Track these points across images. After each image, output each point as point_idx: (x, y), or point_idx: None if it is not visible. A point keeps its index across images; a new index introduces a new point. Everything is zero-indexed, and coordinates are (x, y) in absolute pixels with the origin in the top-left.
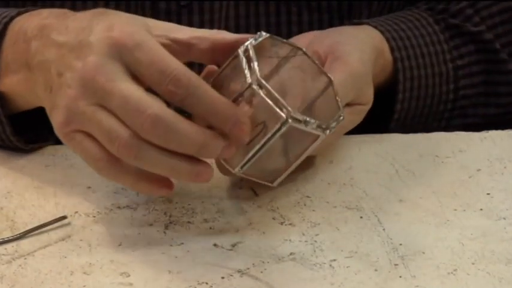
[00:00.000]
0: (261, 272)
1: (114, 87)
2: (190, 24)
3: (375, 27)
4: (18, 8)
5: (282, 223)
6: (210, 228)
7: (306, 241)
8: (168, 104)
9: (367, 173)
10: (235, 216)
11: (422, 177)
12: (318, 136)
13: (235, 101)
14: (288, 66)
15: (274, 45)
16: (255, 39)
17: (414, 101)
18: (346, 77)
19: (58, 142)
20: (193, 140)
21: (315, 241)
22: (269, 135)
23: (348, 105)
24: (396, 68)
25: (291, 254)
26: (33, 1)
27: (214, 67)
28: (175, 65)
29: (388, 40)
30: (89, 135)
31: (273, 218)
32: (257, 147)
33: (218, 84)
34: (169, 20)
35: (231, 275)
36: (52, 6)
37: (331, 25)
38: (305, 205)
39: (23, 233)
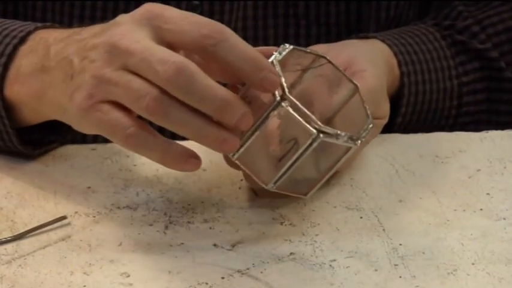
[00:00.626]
0: (261, 272)
1: (139, 46)
2: None
3: (383, 40)
4: (17, 7)
5: (282, 223)
6: (210, 228)
7: (306, 241)
8: None
9: (367, 173)
10: (235, 216)
11: (422, 178)
12: (350, 148)
13: (263, 117)
14: (313, 75)
15: (298, 56)
16: (280, 53)
17: (416, 115)
18: (364, 93)
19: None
20: (217, 94)
21: (315, 241)
22: (301, 150)
23: None
24: (402, 83)
25: (291, 254)
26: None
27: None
28: (208, 19)
29: (395, 54)
30: (115, 105)
31: (273, 218)
32: (289, 163)
33: (245, 101)
34: None
35: (231, 275)
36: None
37: (338, 39)
38: (305, 205)
39: (22, 233)
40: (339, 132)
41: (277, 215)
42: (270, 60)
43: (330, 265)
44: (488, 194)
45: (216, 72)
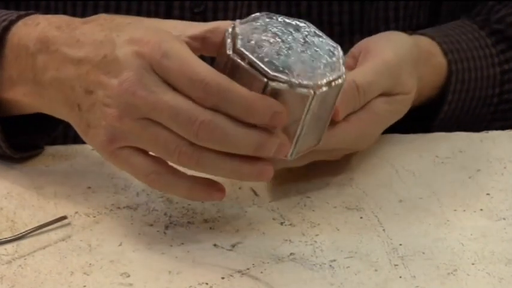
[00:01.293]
0: (261, 272)
1: (158, 99)
2: None
3: (423, 34)
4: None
5: (282, 223)
6: (210, 228)
7: (306, 241)
8: None
9: (367, 173)
10: (235, 216)
11: (422, 178)
12: (339, 87)
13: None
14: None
15: (249, 26)
16: (231, 35)
17: (461, 103)
18: (378, 65)
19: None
20: (249, 140)
21: (315, 241)
22: (304, 115)
23: (387, 95)
24: (450, 70)
25: (291, 254)
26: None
27: None
28: (204, 71)
29: (440, 44)
30: (136, 149)
31: (273, 218)
32: (298, 130)
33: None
34: None
35: (231, 275)
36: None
37: (341, 38)
38: (305, 205)
39: (23, 233)
40: (330, 77)
41: (277, 215)
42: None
43: (330, 265)
44: (488, 194)
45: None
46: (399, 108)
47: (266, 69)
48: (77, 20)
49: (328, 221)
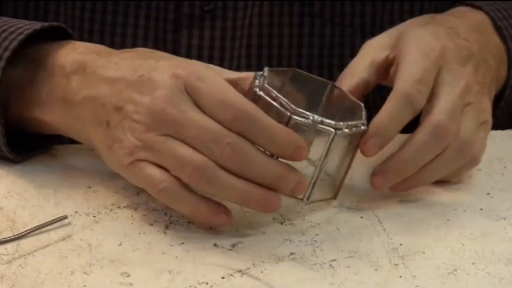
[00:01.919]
0: (261, 272)
1: (187, 118)
2: (212, 29)
3: (486, 12)
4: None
5: (282, 223)
6: (210, 228)
7: (306, 241)
8: None
9: (367, 173)
10: (235, 216)
11: None
12: (363, 132)
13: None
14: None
15: (277, 75)
16: (260, 77)
17: None
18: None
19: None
20: (271, 170)
21: (315, 241)
22: (323, 156)
23: None
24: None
25: (291, 254)
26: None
27: None
28: (235, 97)
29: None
30: (152, 163)
31: (273, 218)
32: (316, 172)
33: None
34: (192, 25)
35: (231, 275)
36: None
37: (353, 39)
38: (305, 205)
39: (23, 233)
40: (350, 122)
41: (277, 215)
42: (256, 87)
43: (330, 265)
44: (488, 194)
45: None
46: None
47: (290, 103)
48: (116, 50)
49: (328, 221)
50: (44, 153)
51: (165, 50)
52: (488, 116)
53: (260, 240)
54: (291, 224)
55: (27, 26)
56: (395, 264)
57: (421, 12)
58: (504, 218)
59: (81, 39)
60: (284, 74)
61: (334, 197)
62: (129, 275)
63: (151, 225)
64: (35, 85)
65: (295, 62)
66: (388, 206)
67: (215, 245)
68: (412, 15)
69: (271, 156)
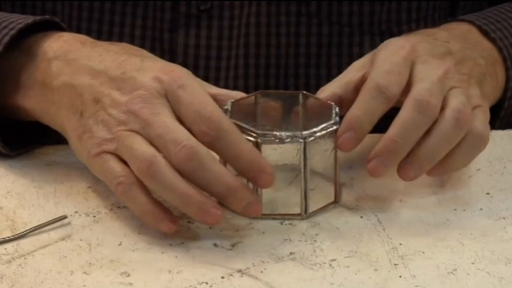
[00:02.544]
0: (261, 272)
1: (158, 119)
2: (209, 29)
3: (462, 20)
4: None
5: (282, 223)
6: (210, 228)
7: (306, 241)
8: None
9: (367, 173)
10: (235, 216)
11: (422, 177)
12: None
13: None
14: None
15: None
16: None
17: None
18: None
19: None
20: (222, 181)
21: (315, 241)
22: (302, 163)
23: None
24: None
25: (291, 253)
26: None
27: None
28: (212, 108)
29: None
30: (117, 157)
31: (273, 218)
32: (302, 183)
33: None
34: (189, 24)
35: (231, 275)
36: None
37: (351, 39)
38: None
39: (22, 232)
40: (315, 128)
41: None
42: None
43: (330, 265)
44: (488, 193)
45: None
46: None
47: (254, 129)
48: (101, 41)
49: (328, 221)
50: (43, 153)
51: (161, 49)
52: (480, 101)
53: (260, 240)
54: (290, 224)
55: (20, 21)
56: (395, 264)
57: (419, 11)
58: (504, 218)
59: None
60: (251, 98)
61: (336, 200)
62: (129, 275)
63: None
64: (17, 70)
65: (292, 61)
66: (388, 206)
67: (215, 244)
68: (409, 13)
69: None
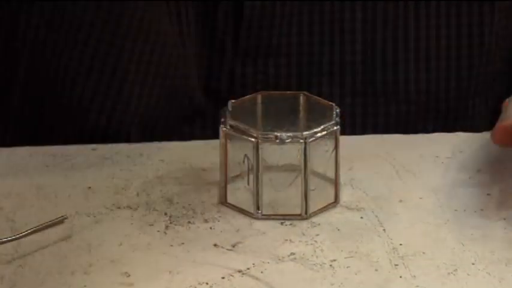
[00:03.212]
0: (261, 272)
1: None
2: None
3: None
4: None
5: (282, 223)
6: (210, 228)
7: (306, 241)
8: None
9: (367, 173)
10: (235, 216)
11: (422, 178)
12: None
13: None
14: None
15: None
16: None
17: None
18: None
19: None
20: None
21: (315, 241)
22: (302, 163)
23: None
24: None
25: (291, 254)
26: None
27: None
28: None
29: None
30: None
31: (274, 218)
32: (303, 184)
33: None
34: None
35: (231, 275)
36: None
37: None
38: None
39: (23, 233)
40: (316, 129)
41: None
42: None
43: (330, 265)
44: (488, 194)
45: None
46: None
47: (254, 130)
48: None
49: (328, 221)
50: (44, 153)
51: None
52: None
53: (260, 240)
54: (291, 224)
55: None
56: (396, 265)
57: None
58: (504, 218)
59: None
60: (251, 99)
61: (336, 200)
62: (129, 275)
63: (151, 225)
64: None
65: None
66: (388, 206)
67: (215, 245)
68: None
69: None
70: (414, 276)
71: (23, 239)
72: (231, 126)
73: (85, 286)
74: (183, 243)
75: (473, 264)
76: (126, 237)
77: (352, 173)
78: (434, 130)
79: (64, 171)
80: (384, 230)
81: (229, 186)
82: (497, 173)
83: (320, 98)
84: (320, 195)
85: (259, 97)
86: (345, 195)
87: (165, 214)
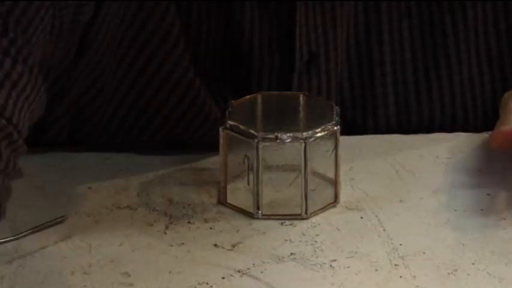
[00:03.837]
0: (261, 272)
1: None
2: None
3: None
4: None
5: (282, 223)
6: (210, 228)
7: (306, 241)
8: None
9: (367, 173)
10: (235, 216)
11: (422, 178)
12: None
13: None
14: None
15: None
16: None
17: None
18: None
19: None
20: None
21: (315, 241)
22: (303, 163)
23: None
24: None
25: (291, 254)
26: None
27: None
28: None
29: None
30: None
31: (274, 218)
32: (303, 184)
33: None
34: None
35: (231, 275)
36: None
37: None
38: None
39: (23, 233)
40: (313, 130)
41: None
42: None
43: (331, 265)
44: (488, 194)
45: None
46: None
47: (254, 131)
48: None
49: (328, 221)
50: (43, 154)
51: None
52: None
53: (260, 240)
54: (291, 224)
55: None
56: (396, 265)
57: None
58: (504, 219)
59: None
60: (252, 99)
61: (336, 200)
62: (129, 275)
63: (151, 225)
64: None
65: None
66: (388, 206)
67: (215, 245)
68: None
69: None
70: (414, 276)
71: (23, 239)
72: (231, 126)
73: (85, 286)
74: (183, 243)
75: (473, 264)
76: (126, 237)
77: (352, 173)
78: (434, 130)
79: (64, 171)
80: (384, 230)
81: (229, 186)
82: (497, 173)
83: (320, 98)
84: (320, 195)
85: (259, 97)
86: (345, 195)
87: (165, 214)
